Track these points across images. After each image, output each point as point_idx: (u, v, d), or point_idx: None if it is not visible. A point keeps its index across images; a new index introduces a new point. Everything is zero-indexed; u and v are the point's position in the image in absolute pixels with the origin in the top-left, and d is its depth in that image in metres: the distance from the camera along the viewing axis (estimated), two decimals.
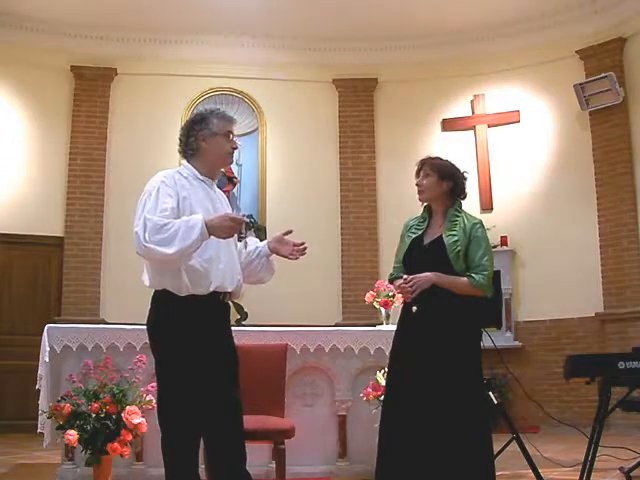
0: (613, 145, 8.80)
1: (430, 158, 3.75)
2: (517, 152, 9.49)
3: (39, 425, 4.62)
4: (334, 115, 9.86)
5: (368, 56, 9.76)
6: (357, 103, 9.88)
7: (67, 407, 4.31)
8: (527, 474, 4.81)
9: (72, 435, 4.23)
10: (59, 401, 4.40)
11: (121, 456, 4.33)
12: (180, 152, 3.49)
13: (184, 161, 3.47)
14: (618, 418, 7.08)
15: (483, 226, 3.65)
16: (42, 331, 4.85)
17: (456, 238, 3.55)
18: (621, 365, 4.12)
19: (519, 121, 9.55)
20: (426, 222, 3.72)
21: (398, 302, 5.29)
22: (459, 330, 3.49)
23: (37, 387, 4.72)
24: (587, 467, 4.19)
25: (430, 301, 3.49)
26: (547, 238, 9.08)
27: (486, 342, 5.12)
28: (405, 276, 3.54)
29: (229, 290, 3.33)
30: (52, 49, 9.16)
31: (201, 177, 3.40)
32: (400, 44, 9.69)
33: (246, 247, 3.52)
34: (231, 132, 3.46)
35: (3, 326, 8.76)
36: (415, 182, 3.73)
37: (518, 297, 9.17)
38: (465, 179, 3.74)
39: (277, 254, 3.55)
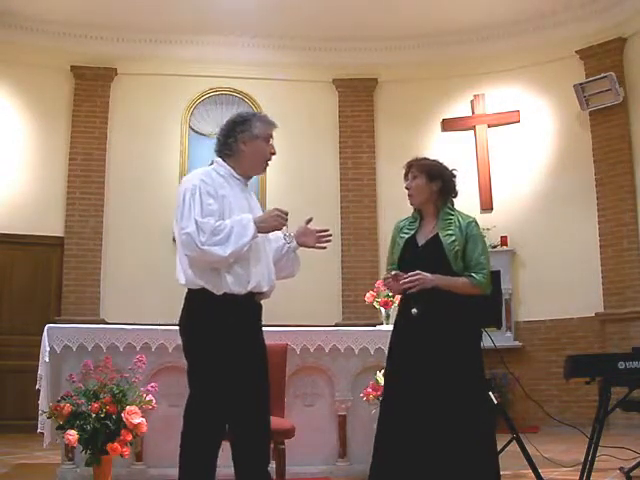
0: (613, 145, 8.80)
1: (417, 159, 3.71)
2: (517, 152, 9.49)
3: (39, 425, 4.61)
4: (334, 115, 9.86)
5: (368, 56, 9.77)
6: (357, 103, 9.88)
7: (67, 407, 4.31)
8: (527, 474, 4.81)
9: (72, 435, 4.23)
10: (59, 401, 4.40)
11: (121, 456, 4.33)
12: (216, 150, 3.47)
13: (218, 159, 3.44)
14: (618, 418, 7.09)
15: (477, 224, 3.62)
16: (42, 331, 4.84)
17: (454, 238, 3.51)
18: (621, 365, 4.13)
19: (519, 121, 9.55)
20: (417, 222, 3.68)
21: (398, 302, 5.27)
22: (460, 331, 3.47)
23: (37, 387, 4.71)
24: (587, 467, 4.20)
25: (430, 303, 3.46)
26: (547, 238, 9.09)
27: (486, 342, 5.12)
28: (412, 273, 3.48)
29: (264, 290, 3.34)
30: (52, 49, 9.17)
31: (237, 176, 3.39)
32: (400, 44, 9.70)
33: (289, 241, 3.52)
34: (271, 136, 3.45)
35: (3, 326, 8.77)
36: (404, 185, 3.69)
37: (518, 297, 9.17)
38: (454, 177, 3.68)
39: (305, 247, 3.55)
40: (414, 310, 3.50)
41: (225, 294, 3.20)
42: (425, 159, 3.72)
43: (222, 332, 3.19)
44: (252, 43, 9.71)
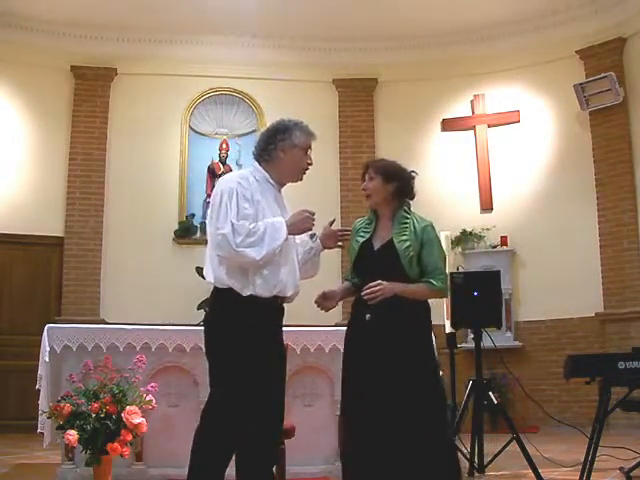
0: (613, 145, 8.81)
1: (374, 161, 3.72)
2: (517, 152, 9.50)
3: (39, 425, 4.60)
4: (334, 115, 9.86)
5: (368, 56, 9.77)
6: (357, 103, 9.88)
7: (67, 407, 4.30)
8: (527, 474, 4.81)
9: (72, 435, 4.22)
10: (59, 401, 4.39)
11: (121, 456, 4.32)
12: (254, 154, 3.51)
13: (255, 163, 3.49)
14: (618, 418, 7.08)
15: (434, 228, 3.57)
16: (42, 331, 4.83)
17: (408, 243, 3.47)
18: (621, 365, 4.13)
19: (519, 121, 9.56)
20: (373, 224, 3.65)
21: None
22: (413, 334, 3.46)
23: (37, 387, 4.71)
24: (587, 467, 4.20)
25: (382, 307, 3.43)
26: (547, 238, 9.09)
27: (486, 342, 5.14)
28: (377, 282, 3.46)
29: (288, 295, 3.41)
30: (52, 49, 9.17)
31: (271, 181, 3.44)
32: (400, 44, 9.70)
33: (314, 240, 3.58)
34: (310, 147, 3.50)
35: (3, 326, 8.77)
36: (361, 186, 3.65)
37: (518, 297, 9.17)
38: (412, 179, 3.65)
39: (328, 248, 3.62)
40: (368, 315, 3.49)
41: (250, 295, 3.26)
42: (383, 160, 3.72)
43: (242, 332, 3.22)
44: (252, 43, 9.71)
